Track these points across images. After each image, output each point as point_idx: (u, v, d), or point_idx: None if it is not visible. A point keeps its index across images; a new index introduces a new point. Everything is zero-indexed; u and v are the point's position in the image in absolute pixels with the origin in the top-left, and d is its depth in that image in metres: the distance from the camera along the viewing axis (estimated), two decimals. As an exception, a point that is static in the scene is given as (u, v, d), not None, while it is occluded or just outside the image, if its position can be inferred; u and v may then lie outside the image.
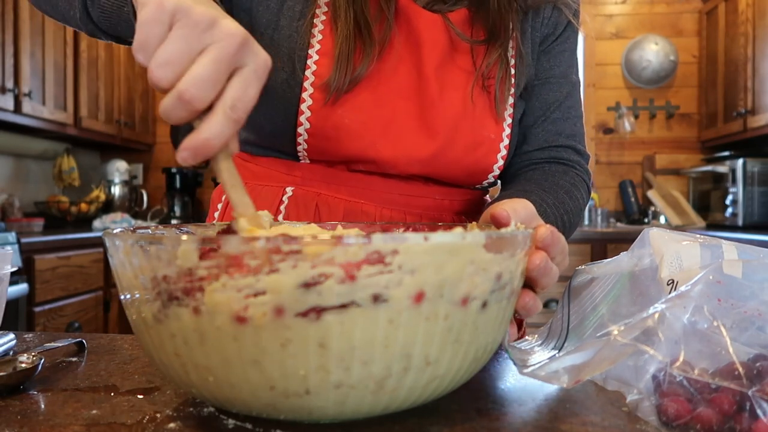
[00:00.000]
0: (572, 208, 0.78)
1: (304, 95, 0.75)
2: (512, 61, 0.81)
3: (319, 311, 0.35)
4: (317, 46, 0.75)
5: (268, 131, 0.80)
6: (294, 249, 0.35)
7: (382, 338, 0.37)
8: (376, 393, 0.38)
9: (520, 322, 0.82)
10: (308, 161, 0.80)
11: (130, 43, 0.71)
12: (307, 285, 0.35)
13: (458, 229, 0.40)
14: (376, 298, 0.36)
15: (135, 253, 0.38)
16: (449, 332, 0.39)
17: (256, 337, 0.36)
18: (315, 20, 0.76)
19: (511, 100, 0.81)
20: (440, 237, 0.37)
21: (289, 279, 0.35)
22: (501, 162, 0.81)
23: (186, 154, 0.44)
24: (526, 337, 0.64)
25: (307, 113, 0.75)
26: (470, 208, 0.87)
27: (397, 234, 0.37)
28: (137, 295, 0.40)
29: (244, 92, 0.45)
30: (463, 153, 0.79)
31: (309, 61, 0.75)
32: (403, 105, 0.77)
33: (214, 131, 0.43)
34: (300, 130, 0.76)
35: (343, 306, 0.35)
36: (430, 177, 0.81)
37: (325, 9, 0.77)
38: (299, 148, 0.78)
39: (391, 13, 0.76)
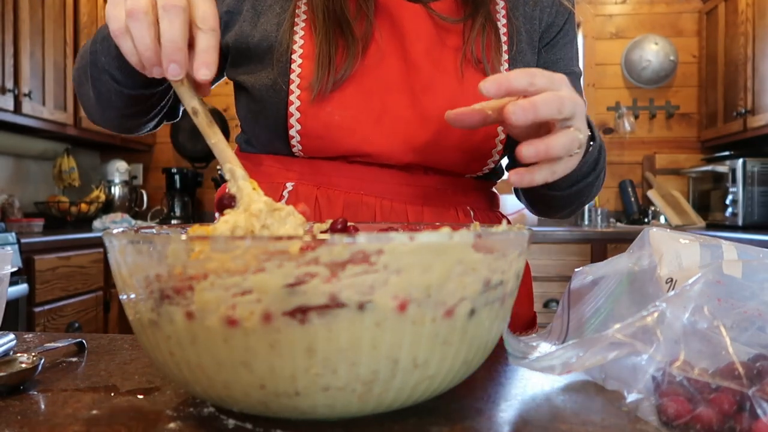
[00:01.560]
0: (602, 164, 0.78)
1: (292, 97, 0.76)
2: (503, 30, 0.83)
3: (305, 311, 0.35)
4: (299, 51, 0.77)
5: (265, 139, 0.82)
6: (279, 249, 0.35)
7: (368, 340, 0.37)
8: (364, 394, 0.39)
9: None
10: (306, 157, 0.81)
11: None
12: (293, 284, 0.35)
13: (445, 229, 0.40)
14: (363, 299, 0.36)
15: (129, 252, 0.39)
16: (437, 335, 0.39)
17: (245, 338, 0.36)
18: (295, 27, 0.78)
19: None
20: (426, 237, 0.36)
21: (275, 278, 0.35)
22: (500, 147, 0.81)
23: (205, 70, 0.52)
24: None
25: (297, 114, 0.76)
26: (475, 199, 0.88)
27: (383, 234, 0.37)
28: (132, 296, 0.41)
29: (202, 8, 0.53)
30: (460, 138, 0.79)
31: (293, 65, 0.76)
32: (392, 97, 0.78)
33: (210, 43, 0.53)
34: (292, 132, 0.77)
35: (328, 306, 0.35)
36: (429, 166, 0.81)
37: (305, 17, 0.78)
38: (294, 149, 0.79)
39: (371, 10, 0.78)
